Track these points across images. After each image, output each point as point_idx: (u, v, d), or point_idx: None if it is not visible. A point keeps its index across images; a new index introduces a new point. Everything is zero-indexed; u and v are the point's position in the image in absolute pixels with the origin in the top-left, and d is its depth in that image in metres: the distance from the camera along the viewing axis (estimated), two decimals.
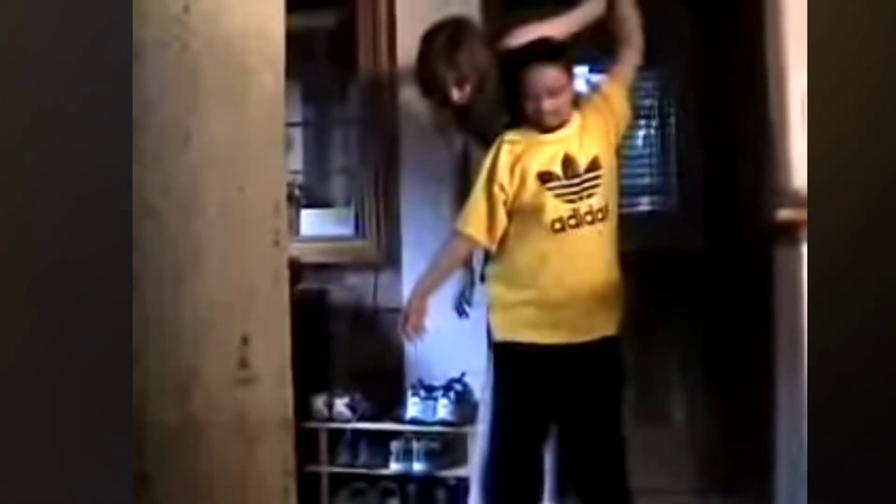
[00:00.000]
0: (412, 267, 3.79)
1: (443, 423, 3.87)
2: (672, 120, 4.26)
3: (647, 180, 4.29)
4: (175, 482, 1.48)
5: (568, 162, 3.04)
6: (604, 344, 3.08)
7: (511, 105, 3.10)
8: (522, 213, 3.05)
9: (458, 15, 3.40)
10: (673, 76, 4.23)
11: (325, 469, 4.01)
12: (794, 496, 3.04)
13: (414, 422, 3.91)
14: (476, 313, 3.50)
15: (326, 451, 4.01)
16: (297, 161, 4.53)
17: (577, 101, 3.13)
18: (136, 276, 1.43)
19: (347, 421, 4.00)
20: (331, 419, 4.01)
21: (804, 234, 2.82)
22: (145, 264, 1.45)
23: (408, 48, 3.64)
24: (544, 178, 3.03)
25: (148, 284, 1.45)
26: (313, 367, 4.04)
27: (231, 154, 1.55)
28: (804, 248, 2.85)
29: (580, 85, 3.50)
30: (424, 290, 3.14)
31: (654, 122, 4.28)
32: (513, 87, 3.06)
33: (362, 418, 3.99)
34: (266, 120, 1.63)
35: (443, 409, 3.86)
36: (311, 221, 4.43)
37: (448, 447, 3.91)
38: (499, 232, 3.07)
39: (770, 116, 3.22)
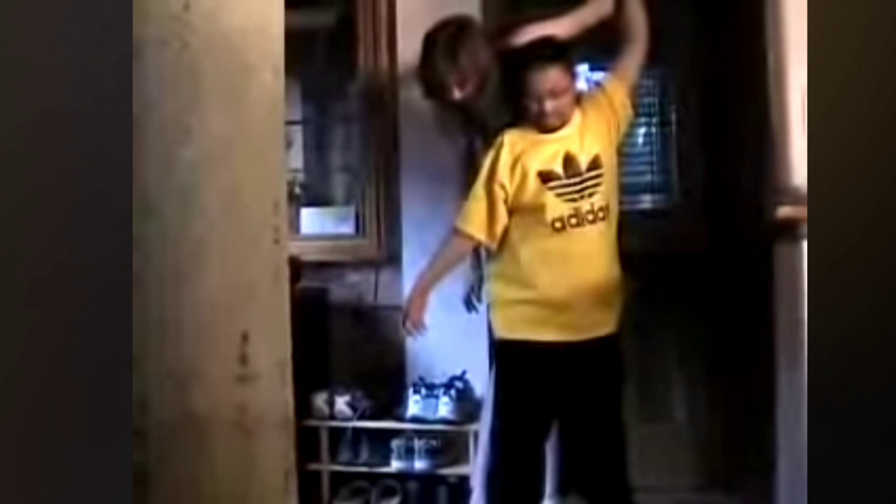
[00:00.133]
0: (412, 265, 3.79)
1: (444, 421, 3.86)
2: (673, 118, 4.26)
3: (647, 178, 4.30)
4: (175, 480, 1.48)
5: (569, 161, 3.04)
6: (604, 342, 3.09)
7: (513, 104, 3.10)
8: (523, 212, 3.05)
9: (461, 14, 3.39)
10: (674, 74, 4.23)
11: (325, 467, 4.01)
12: (795, 493, 3.04)
13: (415, 420, 3.91)
14: (477, 312, 3.51)
15: (327, 449, 4.01)
16: (297, 159, 4.54)
17: (578, 99, 3.12)
18: (137, 274, 1.43)
19: (348, 419, 4.00)
20: (332, 417, 4.01)
21: (804, 231, 2.83)
22: (146, 262, 1.45)
23: (408, 46, 3.64)
24: (545, 177, 3.03)
25: (148, 282, 1.45)
26: (314, 366, 4.04)
27: (231, 152, 1.54)
28: (804, 245, 2.86)
29: (581, 83, 3.49)
30: (424, 286, 3.14)
31: (654, 120, 4.28)
32: (515, 86, 3.06)
33: (363, 416, 3.99)
34: (266, 118, 1.62)
35: (444, 407, 3.86)
36: (312, 220, 4.44)
37: (449, 445, 3.91)
38: (499, 230, 3.07)
39: (770, 114, 3.22)
